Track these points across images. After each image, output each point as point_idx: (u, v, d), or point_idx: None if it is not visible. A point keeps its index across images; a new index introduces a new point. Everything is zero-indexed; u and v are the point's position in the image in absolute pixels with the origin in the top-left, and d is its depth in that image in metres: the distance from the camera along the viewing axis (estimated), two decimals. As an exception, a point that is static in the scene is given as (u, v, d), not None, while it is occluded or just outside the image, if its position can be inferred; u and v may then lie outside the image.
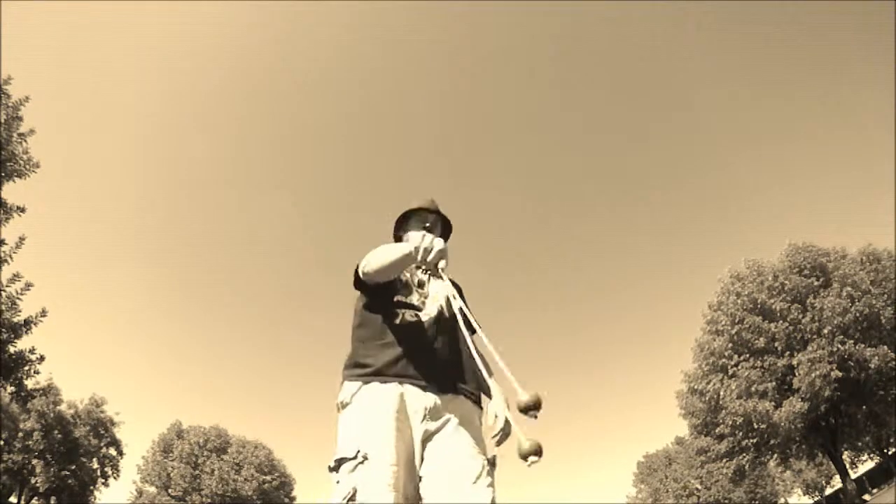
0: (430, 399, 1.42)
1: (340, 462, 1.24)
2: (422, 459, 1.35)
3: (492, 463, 1.39)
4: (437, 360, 1.52)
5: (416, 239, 1.36)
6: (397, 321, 1.56)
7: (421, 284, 1.71)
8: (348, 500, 1.17)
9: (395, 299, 1.62)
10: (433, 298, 1.67)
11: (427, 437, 1.38)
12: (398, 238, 1.90)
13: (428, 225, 1.82)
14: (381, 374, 1.44)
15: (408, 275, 1.71)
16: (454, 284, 1.81)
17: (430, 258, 1.34)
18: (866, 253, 17.26)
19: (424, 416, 1.39)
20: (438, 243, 1.35)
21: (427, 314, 1.60)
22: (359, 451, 1.23)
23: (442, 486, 1.29)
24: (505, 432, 1.41)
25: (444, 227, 1.92)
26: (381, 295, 1.64)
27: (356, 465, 1.21)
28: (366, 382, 1.44)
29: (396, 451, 1.26)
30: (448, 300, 1.65)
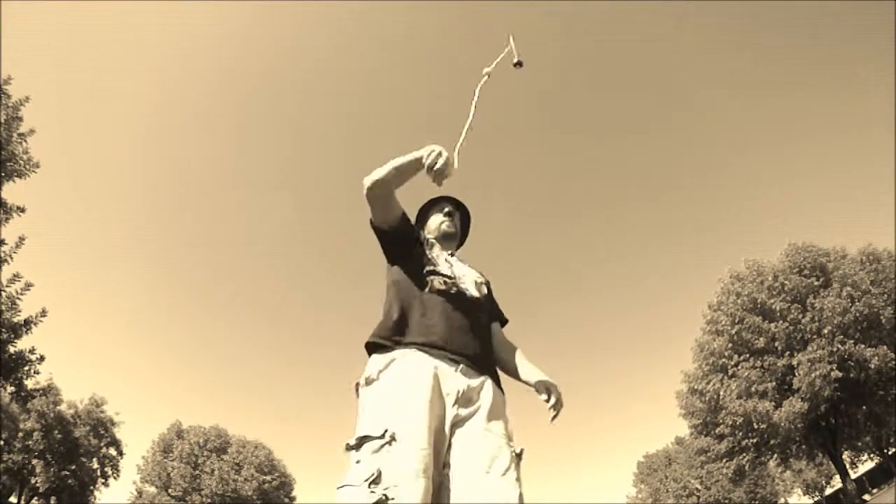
0: (463, 382, 1.33)
1: (363, 440, 1.13)
2: (449, 445, 1.24)
3: (519, 456, 1.31)
4: (472, 338, 1.45)
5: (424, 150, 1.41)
6: (434, 287, 1.52)
7: (452, 265, 1.67)
8: (370, 483, 1.05)
9: (427, 269, 1.57)
10: (462, 276, 1.64)
11: (457, 423, 1.27)
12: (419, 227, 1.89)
13: (448, 209, 1.84)
14: (415, 344, 1.35)
15: (436, 252, 1.69)
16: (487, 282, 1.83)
17: (438, 164, 1.37)
18: (866, 253, 17.25)
19: (456, 399, 1.29)
20: (444, 154, 1.40)
21: (457, 286, 1.57)
22: (386, 431, 1.12)
23: (469, 476, 1.18)
24: (560, 405, 1.51)
25: (463, 217, 1.93)
26: (406, 254, 1.62)
27: (382, 446, 1.10)
28: (397, 355, 1.34)
29: (429, 434, 1.14)
30: (477, 282, 1.67)
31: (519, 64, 1.72)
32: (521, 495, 1.19)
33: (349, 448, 1.16)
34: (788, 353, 16.42)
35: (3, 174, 10.50)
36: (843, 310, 15.64)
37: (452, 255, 1.77)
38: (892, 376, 15.62)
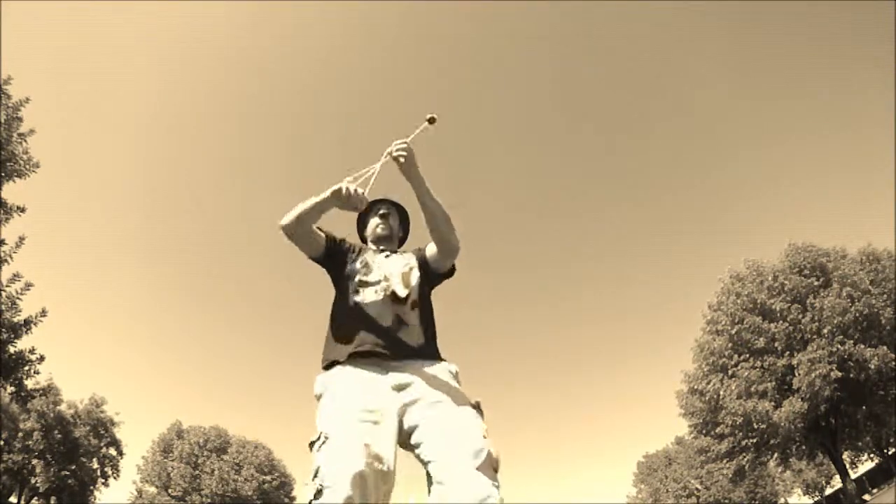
0: (395, 377, 1.52)
1: (310, 445, 1.36)
2: (411, 428, 1.42)
3: (476, 407, 1.47)
4: (400, 335, 1.62)
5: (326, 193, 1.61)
6: (353, 301, 1.68)
7: (378, 266, 1.79)
8: (313, 478, 1.27)
9: (357, 279, 1.73)
10: (389, 275, 1.74)
11: (407, 405, 1.46)
12: (363, 238, 2.04)
13: (383, 212, 1.96)
14: (344, 363, 1.55)
15: (367, 256, 1.82)
16: (418, 250, 1.91)
17: (354, 198, 1.60)
18: (866, 253, 17.26)
19: (395, 389, 1.49)
20: (356, 189, 1.62)
21: (383, 290, 1.69)
22: (321, 433, 1.35)
23: (440, 442, 1.36)
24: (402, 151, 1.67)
25: (401, 216, 2.04)
26: (339, 272, 1.79)
27: (320, 445, 1.32)
28: (334, 373, 1.55)
29: (359, 428, 1.34)
30: (403, 273, 1.74)
31: (431, 120, 1.80)
32: (489, 444, 1.34)
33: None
34: (788, 353, 16.42)
35: (3, 174, 10.51)
36: (842, 310, 15.64)
37: (385, 253, 1.86)
38: (892, 376, 15.62)
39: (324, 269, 1.85)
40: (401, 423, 1.43)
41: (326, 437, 1.32)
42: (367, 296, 1.68)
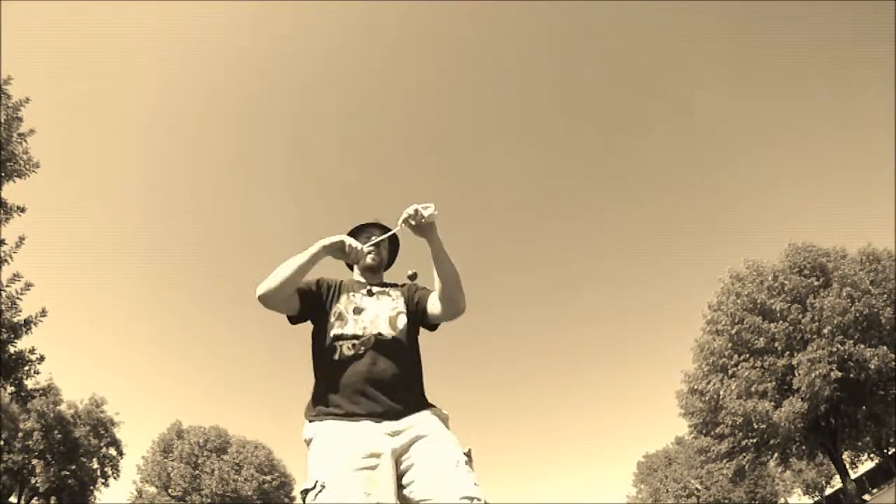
0: (387, 426, 1.50)
1: (304, 494, 1.34)
2: (402, 473, 1.43)
3: (467, 455, 1.47)
4: (389, 385, 1.57)
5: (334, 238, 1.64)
6: (336, 356, 1.60)
7: (358, 311, 1.69)
8: None
9: (332, 333, 1.64)
10: (372, 323, 1.66)
11: (401, 452, 1.46)
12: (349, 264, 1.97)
13: (373, 238, 1.87)
14: (331, 416, 1.53)
15: (341, 305, 1.71)
16: (409, 286, 1.85)
17: (355, 253, 1.61)
18: (866, 253, 17.26)
19: (389, 434, 1.48)
20: (355, 243, 1.65)
21: (363, 344, 1.61)
22: (317, 482, 1.32)
23: (425, 479, 1.37)
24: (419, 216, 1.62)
25: (391, 243, 1.97)
26: (318, 322, 1.71)
27: (316, 494, 1.30)
28: (322, 424, 1.52)
29: (356, 475, 1.34)
30: (391, 319, 1.68)
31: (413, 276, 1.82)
32: (476, 483, 1.36)
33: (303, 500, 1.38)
34: (788, 353, 16.42)
35: (3, 174, 10.51)
36: (842, 310, 15.64)
37: (370, 290, 1.77)
38: (892, 376, 15.62)
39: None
40: (396, 466, 1.43)
41: (323, 486, 1.30)
42: (348, 350, 1.60)
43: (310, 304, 1.70)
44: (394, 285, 1.86)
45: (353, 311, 1.69)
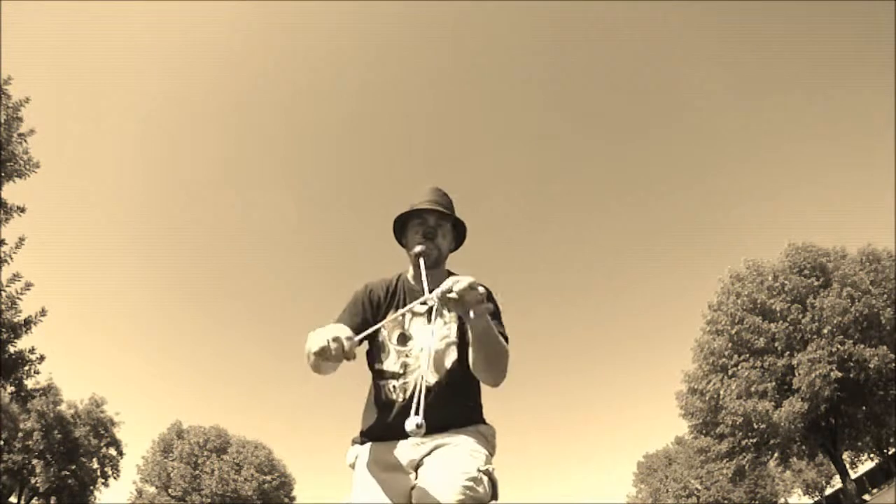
0: (420, 440, 1.43)
1: None
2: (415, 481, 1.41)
3: (486, 473, 1.32)
4: (434, 431, 1.41)
5: (311, 343, 1.21)
6: (382, 396, 1.50)
7: (403, 339, 1.51)
8: None
9: (375, 367, 1.53)
10: (416, 359, 1.48)
11: (417, 461, 1.42)
12: (403, 245, 1.67)
13: (430, 227, 1.55)
14: (374, 440, 1.53)
15: (385, 333, 1.52)
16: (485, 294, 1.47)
17: (340, 353, 1.13)
18: (866, 253, 17.26)
19: (415, 446, 1.44)
20: (319, 351, 1.15)
21: (402, 389, 1.47)
22: None
23: (423, 485, 1.31)
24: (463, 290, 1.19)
25: (455, 227, 1.63)
26: (370, 349, 1.58)
27: None
28: (364, 448, 1.53)
29: (385, 499, 1.36)
30: (438, 355, 1.48)
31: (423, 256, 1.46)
32: (462, 501, 1.22)
33: None
34: (788, 353, 16.43)
35: (3, 174, 10.51)
36: (843, 310, 15.64)
37: (423, 303, 1.39)
38: (892, 376, 15.62)
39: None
40: (415, 471, 1.44)
41: None
42: (393, 394, 1.48)
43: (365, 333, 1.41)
44: (448, 310, 1.52)
45: (398, 339, 1.51)
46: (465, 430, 1.46)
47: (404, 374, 1.48)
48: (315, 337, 1.22)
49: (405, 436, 1.24)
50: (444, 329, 1.52)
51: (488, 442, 1.49)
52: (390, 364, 1.50)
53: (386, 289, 1.60)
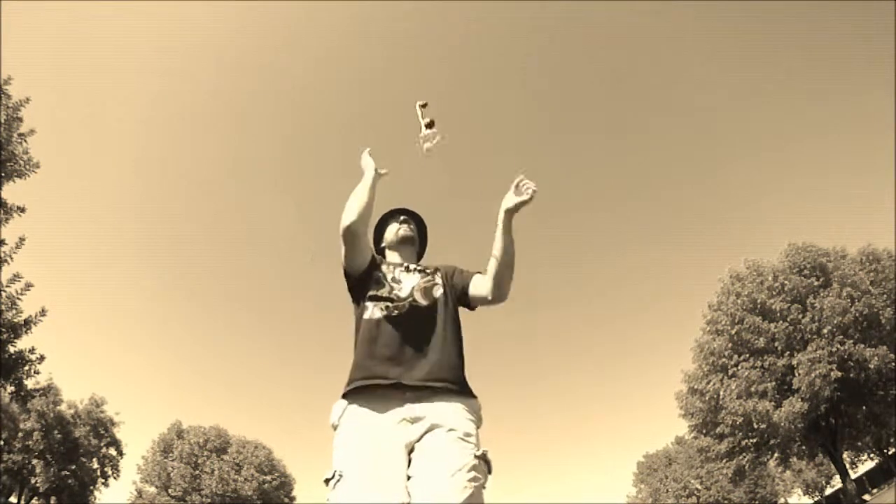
0: (408, 409, 1.46)
1: (326, 482, 1.38)
2: (409, 463, 1.41)
3: (482, 458, 1.41)
4: (420, 354, 1.54)
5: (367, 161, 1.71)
6: (367, 316, 1.61)
7: (396, 280, 1.71)
8: None
9: (368, 294, 1.66)
10: (407, 291, 1.67)
11: (411, 443, 1.43)
12: (381, 251, 1.95)
13: (403, 218, 1.94)
14: (358, 388, 1.50)
15: (383, 271, 1.73)
16: (444, 267, 1.84)
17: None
18: (866, 253, 17.25)
19: (404, 422, 1.44)
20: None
21: (397, 308, 1.61)
22: (336, 471, 1.36)
23: (422, 483, 1.33)
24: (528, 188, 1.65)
25: (419, 226, 1.99)
26: (363, 287, 1.70)
27: (335, 483, 1.34)
28: (349, 403, 1.51)
29: (371, 465, 1.35)
30: (424, 287, 1.68)
31: (424, 105, 1.76)
32: (471, 494, 1.31)
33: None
34: (788, 353, 16.42)
35: (3, 174, 10.50)
36: (842, 310, 15.64)
37: (407, 267, 1.78)
38: (892, 376, 15.61)
39: (346, 284, 1.74)
40: (409, 457, 1.42)
41: (341, 476, 1.34)
42: (380, 311, 1.60)
43: (372, 266, 1.72)
44: (432, 268, 1.82)
45: (391, 279, 1.71)
46: (456, 402, 1.50)
47: (395, 300, 1.64)
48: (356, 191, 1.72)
49: (398, 370, 1.48)
50: (429, 276, 1.75)
51: (478, 416, 1.56)
52: (384, 291, 1.66)
53: (378, 257, 1.83)
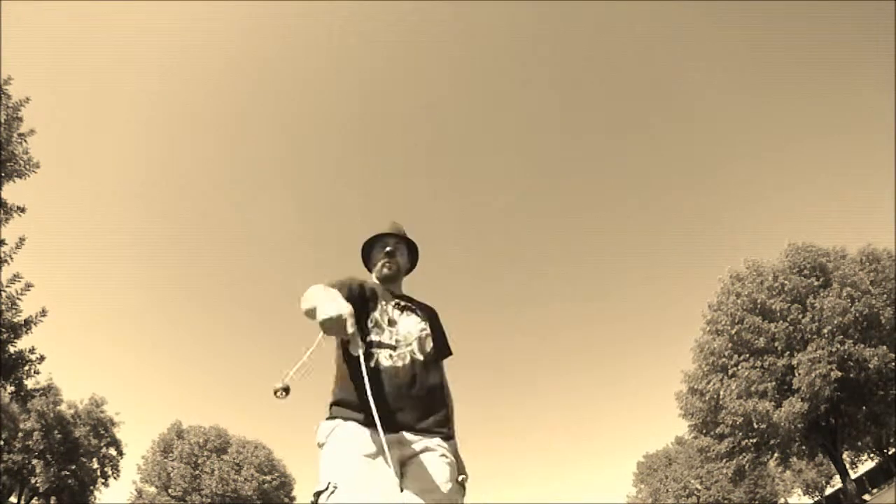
0: (400, 434, 1.54)
1: (317, 495, 1.37)
2: (401, 477, 1.48)
3: (461, 484, 1.60)
4: (414, 405, 1.60)
5: (326, 306, 1.35)
6: (372, 364, 1.60)
7: (392, 323, 1.74)
8: None
9: (369, 339, 1.66)
10: (405, 338, 1.71)
11: (404, 461, 1.51)
12: (368, 267, 1.98)
13: (389, 249, 1.88)
14: (353, 419, 1.53)
15: (378, 313, 1.73)
16: (429, 310, 1.91)
17: (329, 331, 1.35)
18: (866, 253, 17.25)
19: (396, 442, 1.52)
20: (336, 318, 1.33)
21: (400, 358, 1.66)
22: (330, 483, 1.36)
23: (417, 491, 1.43)
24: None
25: (409, 251, 1.98)
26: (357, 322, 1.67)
27: (329, 495, 1.34)
28: (339, 423, 1.54)
29: (366, 477, 1.38)
30: (420, 340, 1.73)
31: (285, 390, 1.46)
32: None
33: (314, 502, 1.40)
34: (788, 353, 16.42)
35: (3, 174, 10.51)
36: (842, 310, 15.63)
37: (398, 304, 1.80)
38: (892, 376, 15.61)
39: None
40: (402, 472, 1.48)
41: (335, 487, 1.35)
42: (385, 360, 1.63)
43: (359, 306, 1.67)
44: (417, 303, 1.89)
45: (388, 322, 1.73)
46: (442, 441, 1.62)
47: (397, 347, 1.68)
48: (322, 297, 1.43)
49: (398, 406, 1.54)
50: (421, 323, 1.80)
51: (457, 455, 1.70)
52: (385, 338, 1.68)
53: (372, 290, 1.80)
